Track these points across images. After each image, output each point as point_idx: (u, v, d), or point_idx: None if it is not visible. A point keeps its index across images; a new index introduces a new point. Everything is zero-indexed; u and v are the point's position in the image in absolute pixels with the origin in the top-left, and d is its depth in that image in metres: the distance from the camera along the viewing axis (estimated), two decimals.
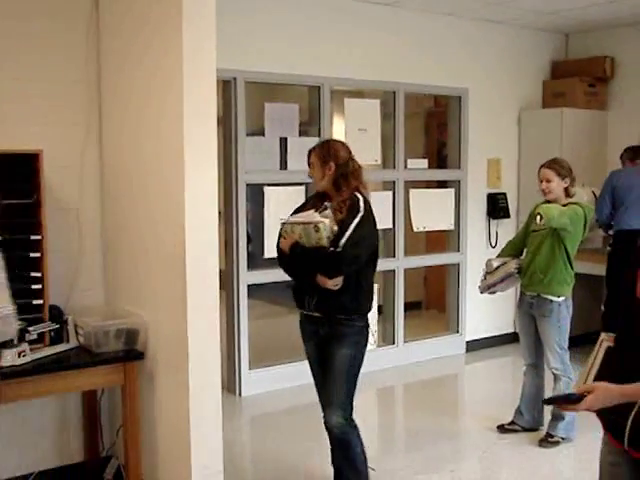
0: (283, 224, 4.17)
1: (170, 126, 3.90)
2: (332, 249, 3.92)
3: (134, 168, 4.35)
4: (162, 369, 4.15)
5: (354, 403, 4.19)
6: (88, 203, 4.61)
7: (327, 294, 4.05)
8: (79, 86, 4.55)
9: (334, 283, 4.00)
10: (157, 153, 4.09)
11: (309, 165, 4.23)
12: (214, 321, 3.93)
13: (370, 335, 4.28)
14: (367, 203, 4.09)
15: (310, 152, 4.23)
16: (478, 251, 7.66)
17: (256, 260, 6.57)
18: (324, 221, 3.95)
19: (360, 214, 3.99)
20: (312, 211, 4.08)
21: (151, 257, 4.21)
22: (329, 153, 4.11)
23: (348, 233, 3.93)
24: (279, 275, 6.53)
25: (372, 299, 4.26)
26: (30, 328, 3.95)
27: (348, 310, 4.08)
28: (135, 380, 4.11)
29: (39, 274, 4.09)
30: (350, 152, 4.19)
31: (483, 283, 5.43)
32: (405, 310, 7.35)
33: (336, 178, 4.09)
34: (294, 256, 4.08)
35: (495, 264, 5.38)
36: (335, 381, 4.14)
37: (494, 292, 5.48)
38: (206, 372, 3.94)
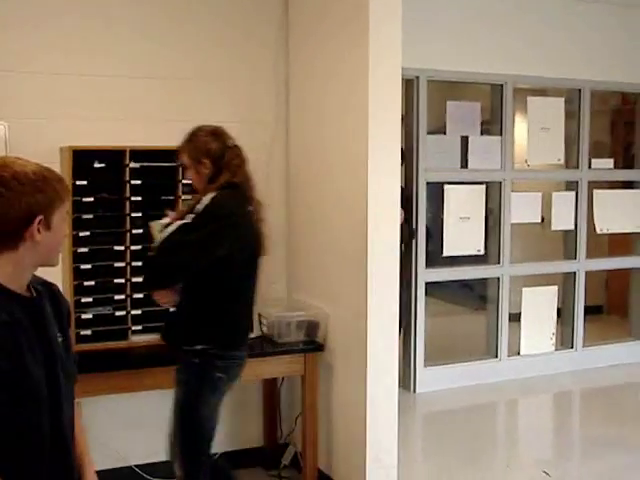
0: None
1: (355, 126, 3.99)
2: (148, 254, 3.41)
3: (319, 166, 4.49)
4: (341, 361, 4.26)
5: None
6: (275, 199, 4.79)
7: (169, 316, 3.52)
8: (269, 86, 4.74)
9: (159, 298, 3.45)
10: (342, 152, 4.20)
11: (182, 168, 3.62)
12: (394, 317, 4.01)
13: (222, 380, 3.35)
14: (219, 204, 3.32)
15: (178, 152, 3.55)
16: None
17: (435, 258, 6.59)
18: (155, 224, 3.44)
19: (192, 215, 3.32)
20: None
21: (333, 253, 4.33)
22: (199, 148, 3.43)
23: (163, 235, 3.32)
24: (457, 273, 6.65)
25: (231, 329, 3.45)
26: None
27: (177, 338, 3.43)
28: (315, 371, 4.26)
29: None
30: (225, 139, 3.49)
31: None
32: (585, 314, 7.15)
33: (212, 176, 3.43)
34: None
35: None
36: (172, 428, 3.49)
37: None
38: (383, 367, 4.02)
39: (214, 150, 3.42)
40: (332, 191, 4.33)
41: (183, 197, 4.20)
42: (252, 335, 4.32)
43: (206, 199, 3.33)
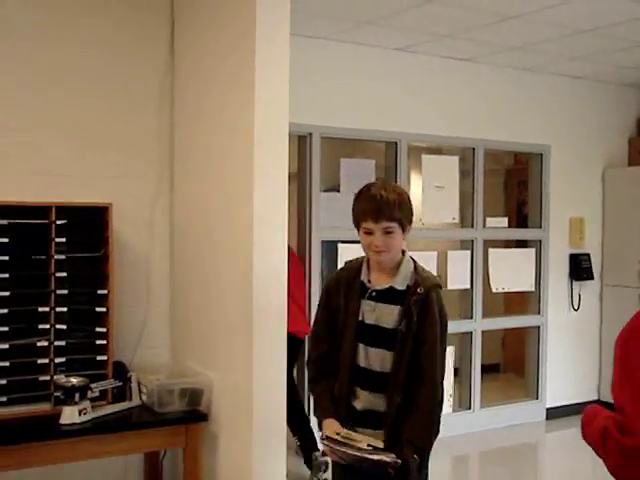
0: None
1: (240, 179, 3.81)
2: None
3: (203, 224, 4.26)
4: (226, 432, 4.00)
5: None
6: (158, 257, 4.55)
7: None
8: (151, 137, 4.52)
9: None
10: (226, 208, 4.00)
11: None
12: (281, 384, 3.77)
13: None
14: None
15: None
16: (560, 314, 7.37)
17: None
18: None
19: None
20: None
21: (217, 314, 4.09)
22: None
23: None
24: None
25: None
26: (92, 385, 3.84)
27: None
28: (197, 442, 3.97)
29: (104, 329, 4.01)
30: None
31: None
32: (482, 373, 7.07)
33: None
34: None
35: None
36: None
37: None
38: (272, 437, 3.77)
39: None
40: (215, 252, 4.11)
41: (56, 256, 3.90)
42: (130, 404, 4.05)
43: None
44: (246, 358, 3.72)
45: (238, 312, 3.82)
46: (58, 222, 3.90)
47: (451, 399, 6.76)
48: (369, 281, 2.97)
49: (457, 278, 6.80)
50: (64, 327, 3.93)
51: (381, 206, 2.82)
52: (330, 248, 6.35)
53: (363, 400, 2.97)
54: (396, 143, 6.44)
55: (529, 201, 7.57)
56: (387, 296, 2.93)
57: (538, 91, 7.15)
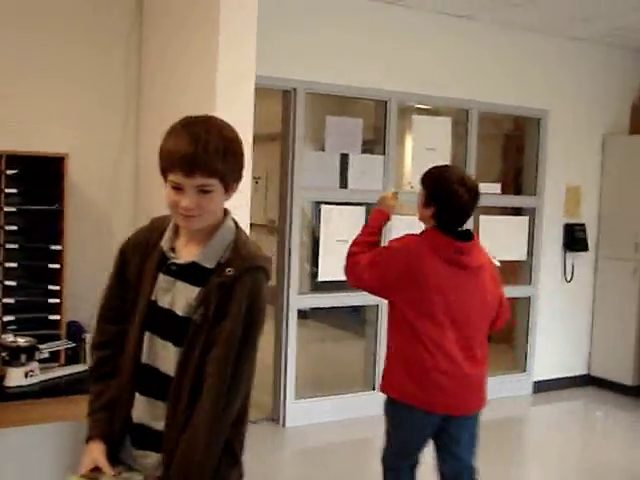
0: None
1: None
2: None
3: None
4: None
5: None
6: (121, 212, 4.30)
7: None
8: (118, 86, 4.27)
9: None
10: None
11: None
12: None
13: None
14: None
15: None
16: (552, 285, 7.15)
17: (308, 283, 6.19)
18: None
19: None
20: None
21: None
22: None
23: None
24: (333, 300, 6.24)
25: None
26: (42, 346, 3.61)
27: None
28: None
29: (57, 287, 3.79)
30: None
31: None
32: None
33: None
34: None
35: None
36: None
37: None
38: None
39: None
40: None
41: (5, 208, 3.67)
42: (84, 367, 3.82)
43: None
44: None
45: None
46: (8, 172, 3.66)
47: None
48: (172, 249, 2.20)
49: None
50: (13, 284, 3.72)
51: (198, 153, 2.01)
52: (314, 210, 6.13)
53: (140, 410, 2.20)
54: (386, 102, 6.16)
55: (524, 168, 7.30)
56: (190, 273, 2.15)
57: (538, 53, 6.84)
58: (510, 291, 7.12)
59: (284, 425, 5.87)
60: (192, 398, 2.07)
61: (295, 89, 5.73)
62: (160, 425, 2.13)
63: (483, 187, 6.57)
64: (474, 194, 3.44)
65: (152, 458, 2.16)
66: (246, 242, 2.19)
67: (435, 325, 3.31)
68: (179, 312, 2.13)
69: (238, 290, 2.07)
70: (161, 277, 2.17)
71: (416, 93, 6.27)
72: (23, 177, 3.74)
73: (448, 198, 3.37)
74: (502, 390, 6.92)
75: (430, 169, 3.51)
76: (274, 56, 5.45)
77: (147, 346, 2.18)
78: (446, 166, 3.71)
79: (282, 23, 5.49)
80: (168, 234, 2.20)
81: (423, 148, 6.43)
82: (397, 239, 3.52)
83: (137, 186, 4.33)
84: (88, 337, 3.87)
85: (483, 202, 6.56)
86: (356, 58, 5.91)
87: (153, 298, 2.18)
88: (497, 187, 7.00)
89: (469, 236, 3.46)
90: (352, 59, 5.90)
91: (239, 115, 3.47)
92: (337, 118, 6.10)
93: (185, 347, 2.10)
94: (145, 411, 2.18)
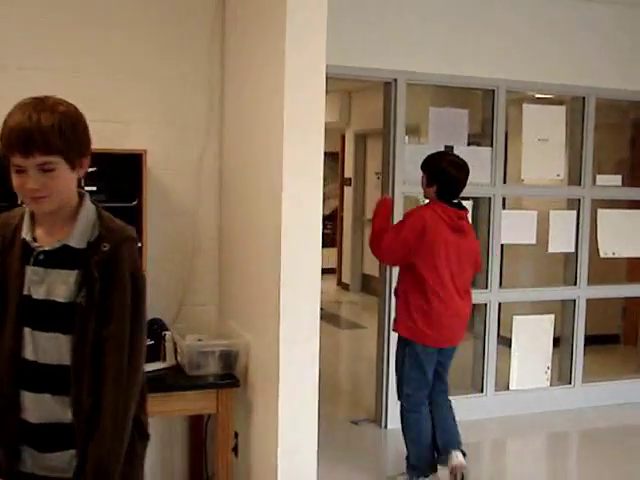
0: None
1: (272, 134, 3.44)
2: None
3: (247, 180, 3.92)
4: (258, 397, 3.68)
5: None
6: (206, 209, 4.23)
7: None
8: (201, 88, 4.19)
9: None
10: (265, 165, 3.63)
11: None
12: (312, 351, 3.39)
13: None
14: None
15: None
16: None
17: None
18: None
19: None
20: None
21: (255, 274, 3.75)
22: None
23: None
24: None
25: None
26: None
27: None
28: (228, 408, 3.65)
29: None
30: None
31: None
32: (600, 343, 6.43)
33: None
34: None
35: None
36: None
37: None
38: (300, 404, 3.41)
39: None
40: (258, 205, 3.75)
41: None
42: (162, 365, 3.76)
43: None
44: (274, 321, 3.37)
45: (267, 272, 3.48)
46: (88, 169, 3.63)
47: (548, 372, 6.22)
48: (34, 239, 2.15)
49: (560, 240, 6.21)
50: None
51: (31, 133, 1.99)
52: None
53: (38, 409, 2.13)
54: (493, 91, 5.87)
55: None
56: (61, 258, 2.12)
57: None
58: (630, 290, 6.77)
59: (386, 427, 5.69)
60: (94, 381, 2.08)
61: (396, 80, 5.52)
62: (67, 418, 2.11)
63: (600, 179, 6.29)
64: (465, 172, 4.50)
65: (66, 456, 2.15)
66: (110, 217, 2.22)
67: (437, 275, 4.30)
68: (60, 299, 2.11)
69: (119, 262, 2.12)
70: (29, 270, 2.13)
71: (526, 80, 5.94)
72: (102, 174, 3.70)
73: (446, 178, 4.43)
74: (624, 395, 6.50)
75: (427, 157, 4.61)
76: (373, 47, 5.28)
77: (30, 342, 2.12)
78: (439, 153, 4.82)
79: (379, 14, 5.31)
80: (26, 224, 2.17)
81: (535, 139, 6.10)
82: (411, 211, 4.60)
83: (221, 183, 4.25)
84: (167, 335, 3.84)
85: (600, 195, 6.29)
86: (461, 45, 5.64)
87: (26, 292, 2.13)
88: (617, 179, 6.56)
89: (462, 206, 4.55)
90: (456, 47, 5.63)
91: (308, 108, 3.34)
92: (441, 109, 5.86)
93: (76, 332, 2.09)
94: (44, 409, 2.13)
